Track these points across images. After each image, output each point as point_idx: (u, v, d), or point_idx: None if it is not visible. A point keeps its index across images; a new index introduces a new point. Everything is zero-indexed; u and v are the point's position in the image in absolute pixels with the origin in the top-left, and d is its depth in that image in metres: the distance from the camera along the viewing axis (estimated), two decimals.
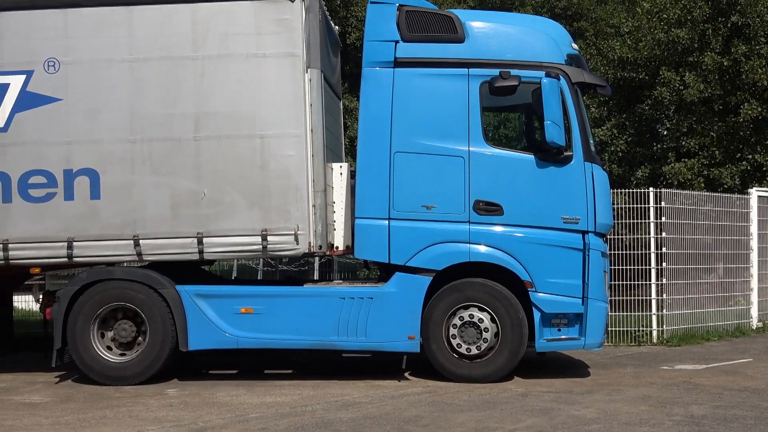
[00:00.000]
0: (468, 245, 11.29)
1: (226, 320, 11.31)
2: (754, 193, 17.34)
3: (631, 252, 15.23)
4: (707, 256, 16.25)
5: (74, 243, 11.25)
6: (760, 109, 20.50)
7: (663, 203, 15.38)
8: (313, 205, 11.11)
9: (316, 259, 17.33)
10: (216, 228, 11.17)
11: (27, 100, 11.30)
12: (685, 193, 16.35)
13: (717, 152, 21.28)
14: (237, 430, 8.76)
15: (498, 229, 11.26)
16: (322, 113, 11.33)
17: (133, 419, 9.36)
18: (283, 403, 10.14)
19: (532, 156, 11.36)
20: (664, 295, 15.34)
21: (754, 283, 17.05)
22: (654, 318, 15.46)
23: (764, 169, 20.91)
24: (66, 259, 11.34)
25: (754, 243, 17.04)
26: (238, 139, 11.17)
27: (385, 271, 11.81)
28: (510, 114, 13.92)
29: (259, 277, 20.24)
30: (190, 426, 8.96)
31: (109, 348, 11.54)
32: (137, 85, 11.30)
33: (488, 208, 11.21)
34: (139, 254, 11.28)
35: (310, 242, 11.13)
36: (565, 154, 11.29)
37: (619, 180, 21.21)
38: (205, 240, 11.17)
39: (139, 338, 11.51)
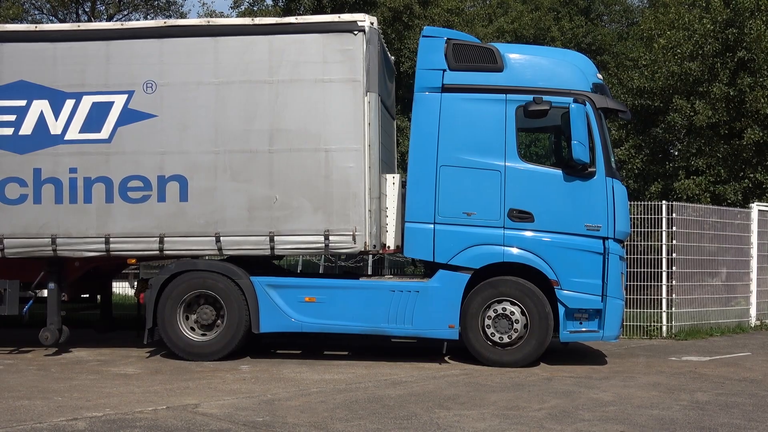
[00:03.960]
0: (503, 248, 11.23)
1: (292, 307, 11.34)
2: (755, 207, 17.07)
3: (645, 257, 15.02)
4: (712, 262, 16.01)
5: (165, 238, 11.36)
6: (761, 134, 20.23)
7: (674, 215, 15.18)
8: (369, 210, 11.11)
9: (370, 256, 17.33)
10: (285, 228, 11.22)
11: (128, 116, 11.45)
12: (694, 207, 16.12)
13: (722, 171, 20.99)
14: (300, 402, 8.78)
15: (529, 234, 11.17)
16: (379, 131, 11.34)
17: (212, 390, 9.42)
18: (339, 380, 10.15)
19: (560, 171, 11.26)
20: (674, 295, 15.13)
21: (753, 287, 16.79)
22: (664, 315, 15.26)
23: (764, 186, 20.58)
24: (158, 252, 11.47)
25: (753, 251, 16.77)
26: (306, 152, 11.21)
27: (429, 269, 11.75)
28: (541, 134, 13.83)
29: (320, 271, 20.28)
30: (259, 397, 9.00)
31: (192, 329, 11.63)
32: (221, 104, 11.39)
33: (521, 216, 11.13)
34: (220, 249, 11.37)
35: (365, 242, 11.14)
36: (590, 170, 11.18)
37: (635, 194, 20.97)
38: (276, 238, 11.22)
39: (218, 321, 11.58)
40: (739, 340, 14.94)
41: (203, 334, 11.60)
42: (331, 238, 11.12)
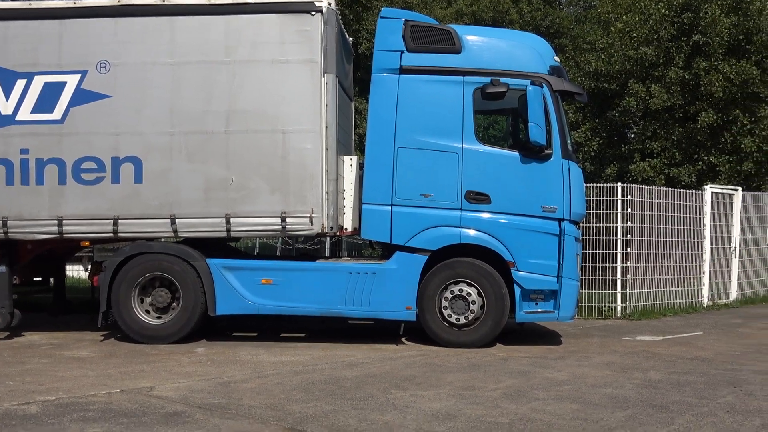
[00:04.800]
0: (460, 229, 11.27)
1: (249, 289, 11.30)
2: (708, 190, 17.34)
3: (601, 238, 15.19)
4: (666, 244, 16.25)
5: (119, 220, 11.25)
6: (715, 117, 20.48)
7: (629, 197, 15.36)
8: (327, 192, 11.09)
9: (328, 238, 17.30)
10: (242, 210, 11.16)
11: (81, 96, 11.28)
12: (648, 189, 16.31)
13: (677, 154, 21.27)
14: (256, 384, 8.76)
15: (486, 215, 11.23)
16: (336, 112, 11.29)
17: (167, 373, 9.37)
18: (296, 362, 10.14)
19: (517, 153, 11.32)
20: (628, 276, 15.33)
21: (706, 268, 17.08)
22: (618, 295, 15.46)
23: (717, 169, 20.89)
24: (112, 234, 11.36)
25: (706, 233, 17.04)
26: (263, 133, 11.14)
27: (387, 251, 11.79)
28: (499, 117, 13.87)
29: (277, 253, 20.22)
30: (215, 380, 8.96)
31: (147, 312, 11.55)
32: (176, 85, 11.26)
33: (478, 198, 11.18)
34: (175, 231, 11.28)
35: (323, 224, 11.12)
36: (546, 152, 11.24)
37: (591, 176, 21.15)
38: (232, 220, 11.16)
39: (174, 304, 11.51)
40: (691, 320, 15.18)
41: (158, 317, 11.52)
42: (288, 220, 11.08)
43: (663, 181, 20.59)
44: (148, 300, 11.51)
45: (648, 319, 15.14)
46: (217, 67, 11.18)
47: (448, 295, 11.33)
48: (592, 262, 15.06)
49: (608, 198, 15.35)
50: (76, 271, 16.83)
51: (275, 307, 11.32)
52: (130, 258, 11.42)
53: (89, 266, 12.20)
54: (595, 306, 15.32)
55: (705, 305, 16.93)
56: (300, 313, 11.47)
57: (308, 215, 11.05)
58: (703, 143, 21.24)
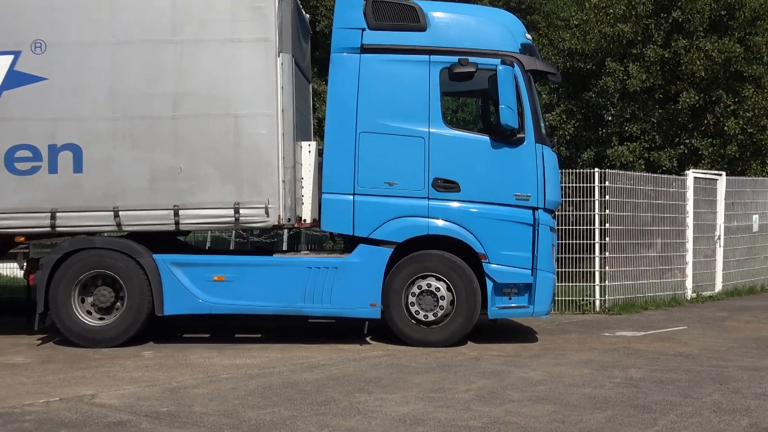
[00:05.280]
0: (427, 219, 11.24)
1: (200, 287, 11.18)
2: (690, 174, 17.45)
3: (577, 227, 15.25)
4: (647, 232, 16.35)
5: (57, 213, 11.06)
6: (697, 98, 20.62)
7: (607, 183, 15.43)
8: (283, 181, 10.99)
9: (285, 231, 17.20)
10: (191, 201, 11.02)
11: (14, 79, 11.07)
12: (628, 174, 16.40)
13: (657, 137, 21.39)
14: (208, 389, 8.66)
15: (455, 204, 11.20)
16: (293, 95, 11.20)
17: (111, 379, 9.23)
18: (252, 365, 10.05)
19: (488, 137, 11.33)
20: (607, 268, 15.41)
21: (689, 258, 17.18)
22: (597, 288, 15.53)
23: (700, 152, 21.05)
24: (49, 229, 11.16)
25: (689, 220, 17.17)
26: (214, 117, 11.02)
27: (349, 243, 11.73)
28: (467, 99, 13.84)
29: (231, 248, 20.07)
30: (164, 386, 8.84)
31: (89, 312, 11.39)
32: (119, 66, 11.11)
33: (446, 185, 11.15)
34: (119, 225, 11.12)
35: (279, 215, 11.02)
36: (518, 135, 11.25)
37: (567, 161, 21.23)
38: (181, 212, 11.02)
39: (118, 303, 11.36)
40: (674, 314, 15.29)
41: (101, 318, 11.36)
42: (241, 211, 10.97)
43: (642, 166, 20.72)
44: (90, 300, 11.35)
45: (629, 313, 15.23)
46: (162, 46, 11.03)
47: (415, 290, 11.30)
48: (569, 253, 15.11)
49: (585, 184, 15.41)
50: (10, 269, 16.55)
51: (229, 305, 11.21)
52: (69, 254, 11.25)
53: (24, 264, 11.96)
54: (572, 300, 15.39)
55: (688, 298, 17.08)
56: (256, 312, 11.38)
57: (263, 206, 10.94)
58: (684, 125, 21.40)
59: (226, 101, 11.00)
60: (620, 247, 15.64)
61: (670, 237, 16.86)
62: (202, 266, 11.29)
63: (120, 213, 11.01)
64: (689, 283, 17.22)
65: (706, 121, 21.21)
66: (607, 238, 15.35)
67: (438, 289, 11.26)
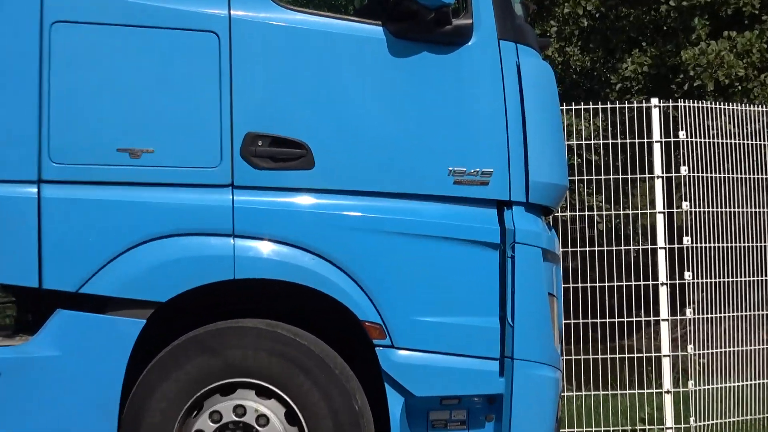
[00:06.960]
0: (231, 241, 5.12)
1: None
2: None
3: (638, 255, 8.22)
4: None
5: None
6: None
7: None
8: None
9: None
10: None
11: None
12: None
13: None
14: None
15: (303, 200, 5.38)
16: None
17: None
18: None
19: (380, 28, 5.31)
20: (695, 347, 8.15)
21: None
22: (668, 399, 7.99)
23: None
24: None
25: None
26: None
27: (34, 310, 5.78)
28: None
29: None
30: None
31: None
32: None
33: (279, 154, 5.24)
34: None
35: None
36: (458, 23, 5.19)
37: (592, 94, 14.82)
38: None
39: None
40: None
41: None
42: None
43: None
44: None
45: None
46: None
47: (207, 425, 5.22)
48: (615, 314, 7.87)
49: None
50: None
51: None
52: None
53: None
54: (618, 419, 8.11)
55: None
56: None
57: None
58: None
59: None
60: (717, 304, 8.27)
61: None
62: None
63: None
64: None
65: None
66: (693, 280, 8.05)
67: (264, 418, 5.05)
